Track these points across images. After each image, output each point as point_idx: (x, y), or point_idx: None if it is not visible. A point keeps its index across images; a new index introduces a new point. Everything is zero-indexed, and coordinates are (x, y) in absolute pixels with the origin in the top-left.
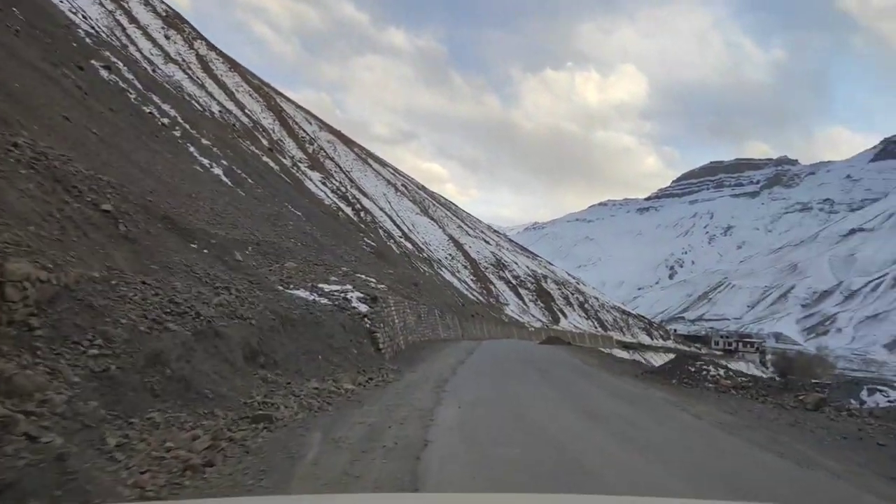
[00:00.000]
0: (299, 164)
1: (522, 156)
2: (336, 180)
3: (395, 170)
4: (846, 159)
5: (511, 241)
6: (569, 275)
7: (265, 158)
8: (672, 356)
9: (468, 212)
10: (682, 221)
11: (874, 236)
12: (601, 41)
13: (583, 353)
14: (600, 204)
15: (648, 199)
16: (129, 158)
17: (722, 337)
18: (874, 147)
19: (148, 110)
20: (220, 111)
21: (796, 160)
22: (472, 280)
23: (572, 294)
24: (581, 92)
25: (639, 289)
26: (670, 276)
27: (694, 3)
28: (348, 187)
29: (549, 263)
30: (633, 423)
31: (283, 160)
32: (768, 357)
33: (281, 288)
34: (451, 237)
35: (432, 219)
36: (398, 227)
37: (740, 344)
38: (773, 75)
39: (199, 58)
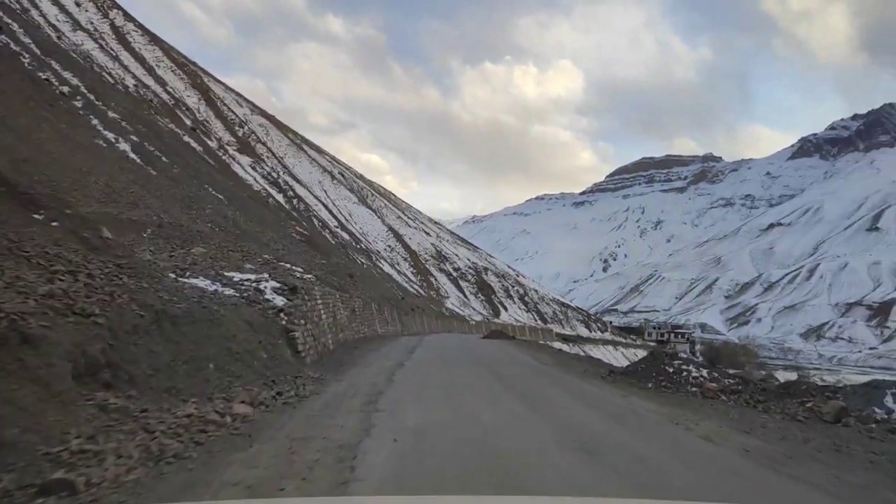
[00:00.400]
0: (227, 147)
1: (462, 148)
2: (268, 166)
3: (333, 158)
4: (766, 157)
5: (452, 232)
6: (509, 267)
7: (187, 138)
8: (610, 349)
9: (408, 203)
10: (615, 215)
11: (791, 230)
12: (539, 36)
13: (532, 349)
14: (537, 198)
15: (583, 193)
16: (3, 123)
17: (654, 328)
18: (792, 145)
19: (44, 76)
20: (135, 85)
21: (721, 157)
22: (412, 273)
23: (512, 286)
24: (519, 85)
25: (574, 281)
26: (604, 269)
27: (627, 2)
28: (281, 173)
29: (490, 256)
30: (642, 461)
31: (209, 141)
32: (697, 347)
33: (173, 276)
34: (390, 228)
35: (371, 209)
36: (334, 216)
37: (672, 335)
38: (700, 74)
39: (115, 28)
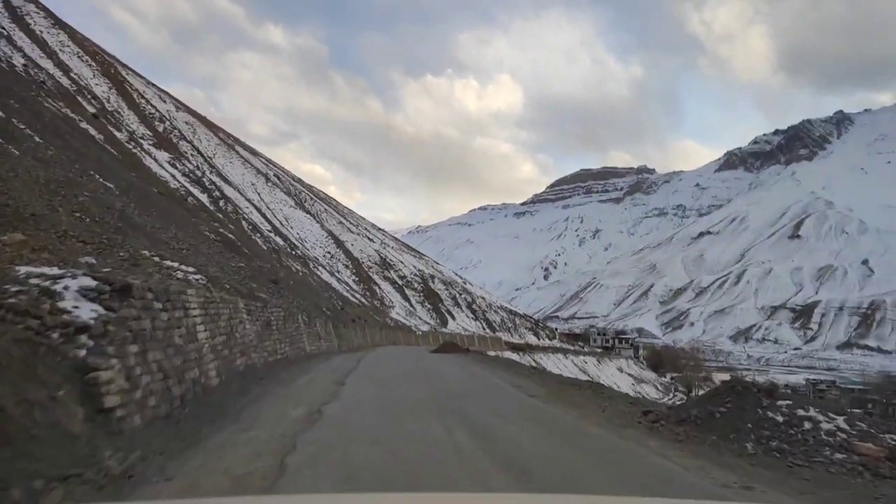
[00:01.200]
0: (140, 140)
1: (405, 160)
2: (191, 164)
3: (269, 160)
4: (695, 169)
5: (397, 239)
6: (456, 275)
7: (85, 125)
8: (560, 358)
9: (351, 209)
10: (555, 225)
11: (720, 239)
12: (478, 51)
13: (500, 368)
14: (480, 208)
15: (525, 203)
16: None
17: (600, 334)
18: (718, 159)
19: None
20: (24, 65)
21: (654, 169)
22: (354, 281)
23: (460, 294)
24: (461, 99)
25: (516, 289)
26: (545, 277)
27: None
28: (207, 172)
29: (437, 263)
30: None
31: (116, 132)
32: (641, 352)
33: None
34: (330, 233)
35: (309, 213)
36: (268, 220)
37: (616, 340)
38: (632, 91)
39: (9, 6)
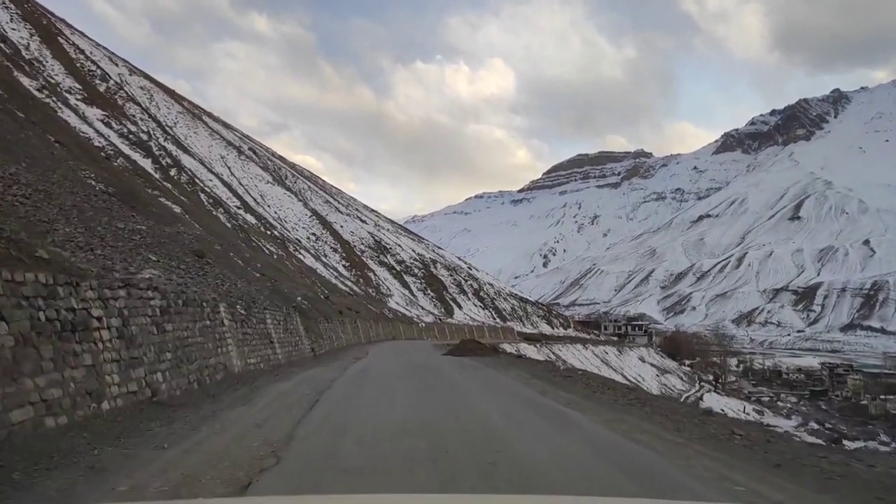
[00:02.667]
0: (66, 94)
1: (398, 149)
2: (139, 128)
3: (244, 135)
4: (693, 152)
5: (392, 222)
6: (460, 260)
7: None
8: (580, 349)
9: (340, 189)
10: (553, 212)
11: (719, 222)
12: (469, 35)
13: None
14: (476, 196)
15: (521, 190)
16: None
17: (612, 321)
18: (716, 141)
19: None
20: None
21: (651, 153)
22: (343, 266)
23: (465, 281)
24: (452, 84)
25: (515, 277)
26: (544, 265)
27: (553, 3)
28: (160, 139)
29: (438, 247)
30: None
31: (27, 80)
32: (654, 339)
33: None
34: (315, 213)
35: (290, 191)
36: (238, 196)
37: (628, 327)
38: (626, 73)
39: None
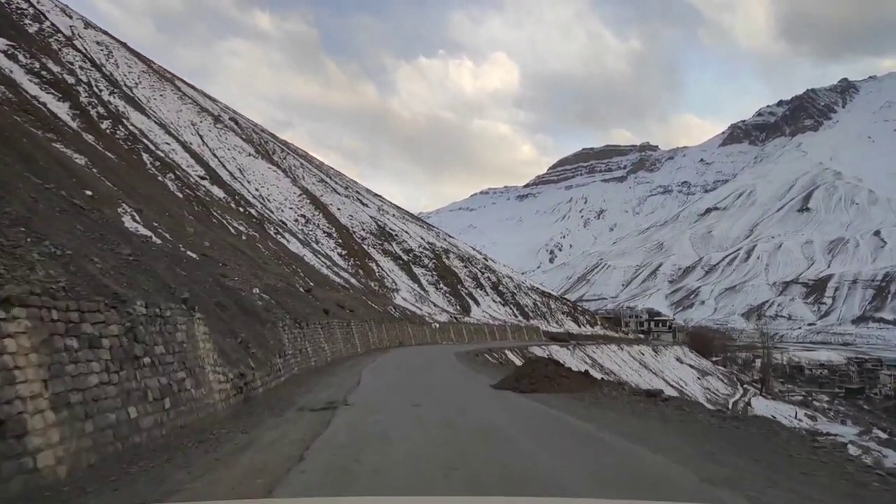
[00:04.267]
0: None
1: (403, 145)
2: (68, 72)
3: (226, 107)
4: (699, 144)
5: (399, 207)
6: (475, 250)
7: None
8: (615, 351)
9: (338, 170)
10: (559, 207)
11: (727, 214)
12: (472, 30)
13: None
14: (482, 192)
15: (527, 185)
16: None
17: (632, 317)
18: (723, 133)
19: None
20: None
21: (657, 146)
22: (340, 254)
23: (482, 273)
24: (455, 80)
25: (522, 273)
26: (550, 260)
27: None
28: (103, 93)
29: (449, 236)
30: None
31: None
32: (678, 336)
33: None
34: (305, 192)
35: (278, 166)
36: (207, 166)
37: (651, 323)
38: (631, 65)
39: None
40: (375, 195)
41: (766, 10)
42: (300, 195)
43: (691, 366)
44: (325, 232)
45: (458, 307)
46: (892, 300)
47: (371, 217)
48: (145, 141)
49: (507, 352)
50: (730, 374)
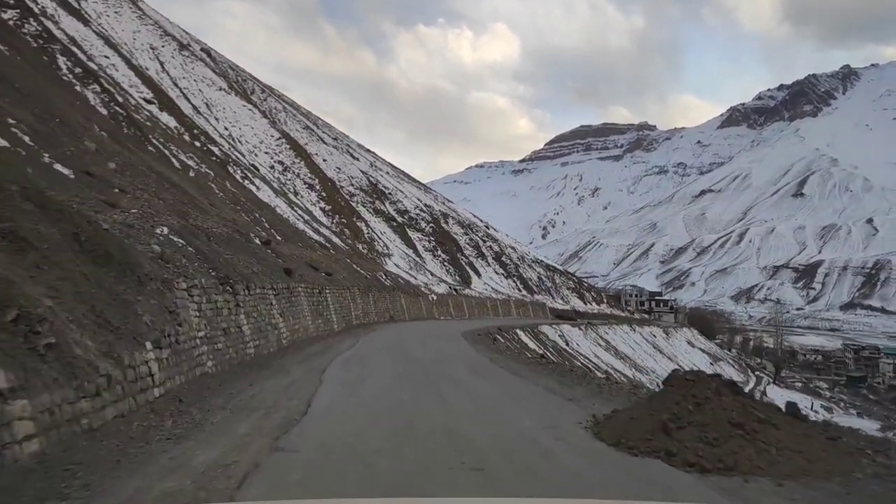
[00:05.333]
0: None
1: (400, 115)
2: None
3: (200, 40)
4: (697, 126)
5: (394, 166)
6: (475, 217)
7: None
8: (627, 331)
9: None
10: (553, 183)
11: (721, 197)
12: None
13: None
14: (477, 166)
15: (522, 161)
16: None
17: (633, 296)
18: (721, 115)
19: None
20: None
21: (655, 126)
22: (323, 209)
23: (483, 242)
24: (454, 50)
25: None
26: (543, 237)
27: None
28: None
29: (448, 200)
30: None
31: None
32: (679, 317)
33: None
34: (286, 137)
35: (256, 107)
36: (167, 95)
37: (652, 303)
38: (633, 43)
39: None
40: (368, 151)
41: None
42: (279, 139)
43: (702, 350)
44: (306, 183)
45: (458, 278)
46: (881, 288)
47: (362, 172)
48: (74, 49)
49: (518, 332)
50: (738, 359)
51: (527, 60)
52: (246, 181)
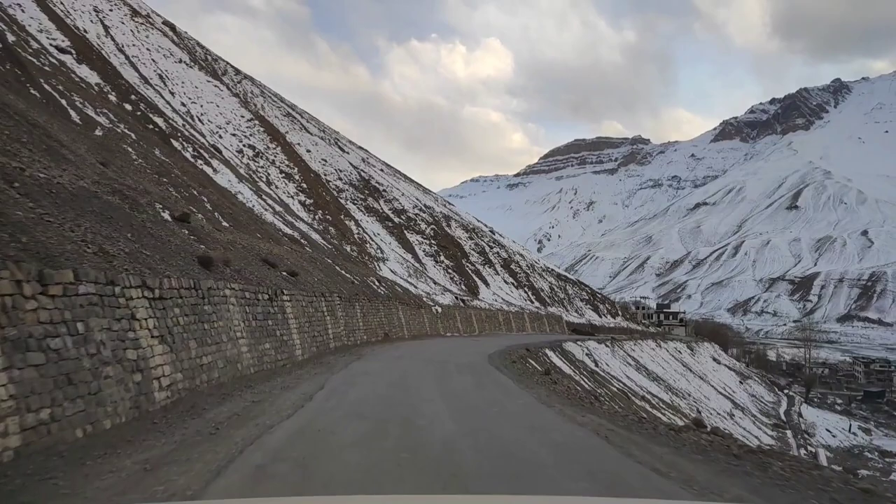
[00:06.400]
0: None
1: (394, 130)
2: None
3: (175, 26)
4: (691, 139)
5: (388, 164)
6: (479, 221)
7: None
8: (653, 348)
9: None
10: (548, 197)
11: (716, 210)
12: (465, 14)
13: None
14: (472, 180)
15: (517, 175)
16: None
17: (640, 308)
18: (714, 129)
19: None
20: None
21: (649, 140)
22: (303, 204)
23: (490, 248)
24: (448, 65)
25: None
26: (539, 250)
27: None
28: None
29: (449, 202)
30: None
31: None
32: (688, 330)
33: None
34: (260, 119)
35: (224, 85)
36: (99, 54)
37: (661, 316)
38: (625, 57)
39: None
40: (361, 147)
41: (762, 7)
42: (251, 121)
43: (730, 367)
44: (282, 171)
45: (464, 287)
46: (878, 300)
47: (352, 165)
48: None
49: (547, 352)
50: (762, 376)
51: (520, 75)
52: (200, 161)
